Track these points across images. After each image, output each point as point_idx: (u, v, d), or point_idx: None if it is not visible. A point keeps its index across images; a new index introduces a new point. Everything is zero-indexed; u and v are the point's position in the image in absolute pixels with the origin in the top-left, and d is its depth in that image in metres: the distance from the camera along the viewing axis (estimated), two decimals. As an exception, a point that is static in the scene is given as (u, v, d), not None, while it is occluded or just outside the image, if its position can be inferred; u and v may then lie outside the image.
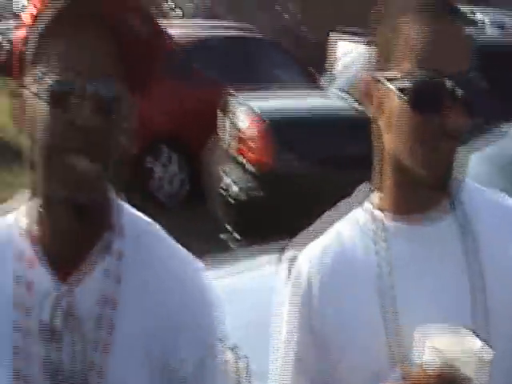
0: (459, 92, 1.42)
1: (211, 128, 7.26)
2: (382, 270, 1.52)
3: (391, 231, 1.53)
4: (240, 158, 6.53)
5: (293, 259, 2.97)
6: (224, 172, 6.58)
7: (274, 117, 6.62)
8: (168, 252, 1.50)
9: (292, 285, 1.62)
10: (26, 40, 1.40)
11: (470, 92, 1.44)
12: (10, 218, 1.49)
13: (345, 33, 12.36)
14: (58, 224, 1.41)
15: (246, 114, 6.74)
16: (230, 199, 6.11)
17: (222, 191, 6.28)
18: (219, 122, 7.35)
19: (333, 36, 13.06)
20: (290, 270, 2.78)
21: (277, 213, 5.89)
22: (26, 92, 1.39)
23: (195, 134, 7.29)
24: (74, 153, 1.33)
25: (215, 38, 9.86)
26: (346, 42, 11.27)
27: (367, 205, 1.58)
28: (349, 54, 8.18)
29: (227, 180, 6.37)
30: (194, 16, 18.00)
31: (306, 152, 6.47)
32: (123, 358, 1.40)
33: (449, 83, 1.41)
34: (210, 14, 16.63)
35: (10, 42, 16.57)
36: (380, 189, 1.56)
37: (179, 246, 1.51)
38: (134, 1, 1.39)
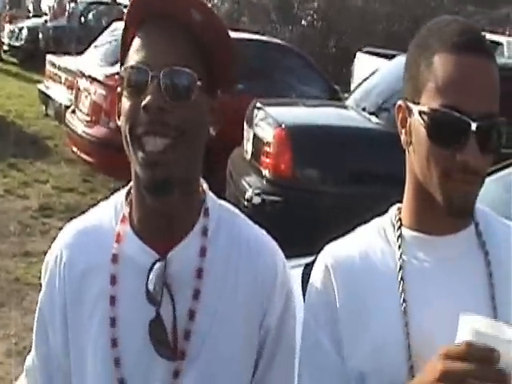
0: (485, 133, 1.46)
1: (235, 138, 7.28)
2: (398, 275, 1.57)
3: (408, 239, 1.60)
4: (262, 169, 6.56)
5: (307, 266, 3.05)
6: (247, 183, 6.61)
7: (297, 129, 6.60)
8: (245, 225, 1.67)
9: (313, 279, 1.67)
10: (122, 43, 1.56)
11: (495, 134, 1.49)
12: (114, 203, 1.65)
13: (372, 53, 12.44)
14: (147, 208, 1.54)
15: (269, 125, 6.73)
16: (252, 210, 6.14)
17: (245, 202, 6.32)
18: (244, 133, 7.39)
19: (359, 55, 13.14)
20: (304, 276, 2.87)
21: (295, 223, 5.95)
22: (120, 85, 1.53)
23: (219, 144, 7.33)
24: (148, 134, 1.46)
25: (242, 49, 9.85)
26: (372, 61, 11.34)
27: (392, 216, 1.66)
28: (374, 72, 8.17)
29: (249, 191, 6.41)
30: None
31: (326, 166, 6.47)
32: (210, 323, 1.55)
33: (474, 124, 1.45)
34: (236, 25, 16.66)
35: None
36: (405, 206, 1.64)
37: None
38: (196, 1, 1.50)
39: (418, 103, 1.52)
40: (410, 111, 1.55)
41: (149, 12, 1.51)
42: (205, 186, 1.65)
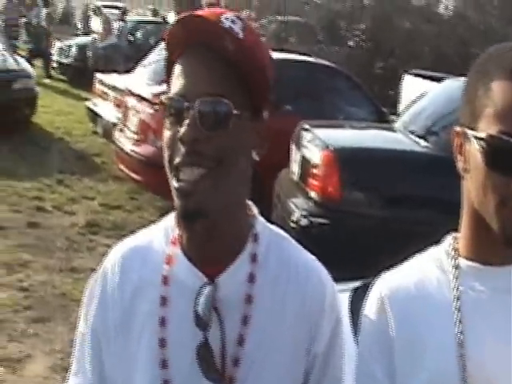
0: None
1: (283, 160, 7.31)
2: (454, 306, 1.55)
3: (465, 269, 1.58)
4: (309, 191, 6.55)
5: (355, 291, 3.04)
6: (294, 205, 6.60)
7: (345, 152, 6.59)
8: (294, 250, 1.66)
9: (367, 310, 1.66)
10: (166, 70, 1.57)
11: None
12: (164, 225, 1.65)
13: (419, 75, 12.38)
14: (190, 231, 1.55)
15: (317, 147, 6.73)
16: (299, 232, 6.12)
17: (292, 224, 6.31)
18: (291, 154, 7.39)
19: (407, 77, 13.09)
20: (352, 300, 2.85)
21: (343, 246, 5.91)
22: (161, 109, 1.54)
23: (267, 165, 7.27)
24: (185, 165, 1.47)
25: (289, 70, 9.85)
26: (420, 84, 11.29)
27: (447, 246, 1.64)
28: (422, 95, 8.13)
29: (297, 213, 6.40)
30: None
31: (373, 189, 6.46)
32: (258, 349, 1.55)
33: None
34: (283, 45, 16.71)
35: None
36: (461, 235, 1.62)
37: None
38: (224, 27, 1.49)
39: (476, 129, 1.50)
40: (466, 137, 1.53)
41: (185, 41, 1.51)
42: (255, 210, 1.65)
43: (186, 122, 1.46)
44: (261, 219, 1.64)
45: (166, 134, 1.51)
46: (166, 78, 1.58)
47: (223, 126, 1.48)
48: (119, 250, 1.68)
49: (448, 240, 1.66)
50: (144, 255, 1.64)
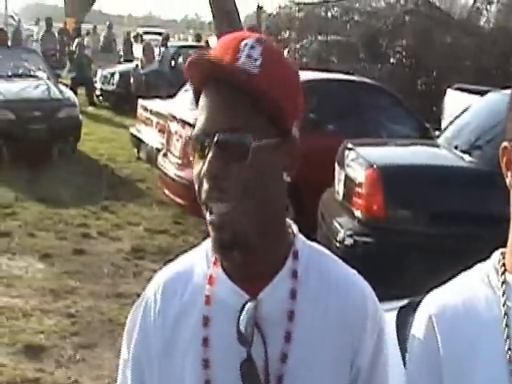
0: None
1: (327, 179, 7.31)
2: (503, 322, 1.52)
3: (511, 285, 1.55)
4: (354, 210, 6.53)
5: (401, 309, 3.01)
6: (339, 224, 6.59)
7: (389, 170, 6.58)
8: (333, 264, 1.66)
9: (415, 329, 1.65)
10: (195, 101, 1.58)
11: None
12: (205, 247, 1.66)
13: (462, 89, 12.29)
14: (228, 259, 1.56)
15: (361, 166, 6.72)
16: (344, 251, 6.10)
17: (337, 243, 6.30)
18: (335, 173, 7.38)
19: (450, 92, 13.01)
20: (399, 319, 2.82)
21: (388, 265, 5.90)
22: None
23: (311, 185, 7.27)
24: (210, 201, 1.48)
25: (332, 89, 9.85)
26: (463, 98, 11.21)
27: (495, 262, 1.61)
28: (466, 110, 8.07)
29: (342, 232, 6.38)
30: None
31: (418, 206, 6.42)
32: (300, 365, 1.54)
33: None
34: (325, 65, 16.72)
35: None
36: (509, 251, 1.59)
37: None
38: (253, 72, 1.49)
39: None
40: None
41: (199, 80, 1.52)
42: (294, 228, 1.64)
43: (207, 157, 1.47)
44: (300, 236, 1.64)
45: (195, 169, 1.52)
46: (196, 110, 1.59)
47: (242, 159, 1.47)
48: (161, 277, 1.68)
49: (496, 256, 1.63)
50: (186, 279, 1.63)
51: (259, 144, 1.48)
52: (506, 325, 1.52)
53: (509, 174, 1.54)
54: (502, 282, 1.56)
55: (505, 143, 1.55)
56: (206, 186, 1.48)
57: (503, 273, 1.57)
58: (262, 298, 1.54)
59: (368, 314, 1.61)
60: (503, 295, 1.55)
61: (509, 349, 1.50)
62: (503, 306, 1.54)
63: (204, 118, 1.50)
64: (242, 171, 1.48)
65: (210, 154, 1.47)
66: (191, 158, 1.54)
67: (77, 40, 23.44)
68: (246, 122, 1.48)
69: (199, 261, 1.65)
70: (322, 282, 1.60)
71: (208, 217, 1.50)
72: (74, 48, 22.66)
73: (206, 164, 1.46)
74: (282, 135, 1.52)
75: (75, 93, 16.63)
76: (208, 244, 1.64)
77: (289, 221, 1.65)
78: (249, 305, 1.52)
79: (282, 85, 1.52)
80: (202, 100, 1.53)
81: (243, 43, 1.52)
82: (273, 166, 1.52)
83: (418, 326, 1.63)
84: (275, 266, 1.57)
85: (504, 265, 1.59)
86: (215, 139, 1.46)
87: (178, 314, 1.61)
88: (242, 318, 1.51)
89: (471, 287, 1.61)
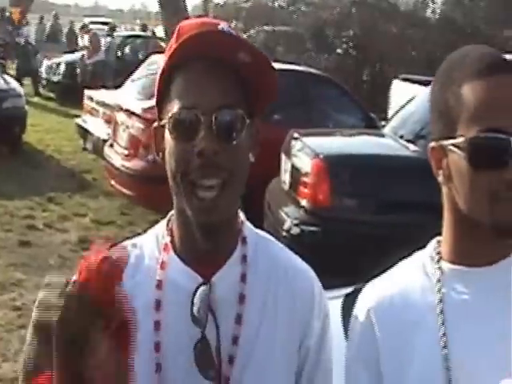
0: None
1: (273, 169, 7.32)
2: (438, 309, 1.56)
3: (448, 272, 1.59)
4: (300, 200, 6.55)
5: (347, 297, 3.04)
6: (285, 213, 6.61)
7: (335, 159, 6.61)
8: (280, 251, 1.71)
9: (353, 321, 1.69)
10: (159, 81, 1.57)
11: None
12: (154, 233, 1.68)
13: (408, 80, 12.40)
14: (194, 240, 1.57)
15: (307, 155, 6.74)
16: (290, 240, 6.11)
17: (284, 232, 6.31)
18: (281, 163, 7.41)
19: (396, 82, 13.12)
20: (344, 306, 2.85)
21: (334, 253, 5.90)
22: (165, 126, 1.54)
23: (257, 175, 7.21)
24: (202, 178, 1.49)
25: (278, 79, 9.83)
26: (409, 88, 11.30)
27: (431, 250, 1.65)
28: (411, 100, 8.14)
29: (288, 221, 6.40)
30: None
31: (364, 195, 6.46)
32: (251, 347, 1.58)
33: None
34: (271, 55, 16.72)
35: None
36: (444, 240, 1.63)
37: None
38: (239, 40, 1.53)
39: (454, 138, 1.52)
40: (444, 150, 1.55)
41: (197, 53, 1.50)
42: (241, 215, 1.68)
43: (202, 134, 1.47)
44: (247, 224, 1.68)
45: (175, 148, 1.51)
46: (159, 92, 1.58)
47: (237, 137, 1.51)
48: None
49: (432, 244, 1.68)
50: (136, 263, 1.63)
51: (249, 122, 1.53)
52: (441, 311, 1.56)
53: (440, 172, 1.58)
54: (437, 270, 1.60)
55: (432, 143, 1.59)
56: (199, 162, 1.47)
57: (438, 260, 1.62)
58: (215, 281, 1.57)
59: (315, 298, 1.66)
60: (438, 282, 1.59)
61: (442, 334, 1.54)
62: (438, 292, 1.58)
63: (193, 94, 1.50)
64: (234, 150, 1.51)
65: (204, 131, 1.47)
66: (170, 136, 1.52)
67: (22, 30, 23.12)
68: (236, 100, 1.51)
69: (149, 245, 1.66)
70: (271, 266, 1.65)
71: (195, 201, 1.50)
72: (19, 38, 22.33)
73: (204, 140, 1.46)
74: (255, 115, 1.57)
75: (20, 83, 16.41)
76: (157, 229, 1.67)
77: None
78: (203, 287, 1.55)
79: (263, 61, 1.54)
80: (186, 78, 1.52)
81: (220, 26, 1.56)
82: (248, 145, 1.56)
83: (356, 318, 1.68)
84: (227, 250, 1.61)
85: (439, 253, 1.63)
86: (215, 116, 1.48)
87: (131, 296, 1.59)
88: (195, 300, 1.54)
89: (408, 276, 1.65)
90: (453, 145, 1.52)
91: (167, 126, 1.52)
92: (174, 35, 1.58)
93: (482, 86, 1.49)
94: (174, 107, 1.51)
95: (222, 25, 1.57)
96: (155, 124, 1.59)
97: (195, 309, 1.54)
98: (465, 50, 1.58)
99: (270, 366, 1.59)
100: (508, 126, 1.46)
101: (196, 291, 1.55)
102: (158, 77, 1.57)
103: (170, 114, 1.51)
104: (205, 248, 1.56)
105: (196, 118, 1.48)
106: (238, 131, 1.50)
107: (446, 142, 1.54)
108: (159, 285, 1.59)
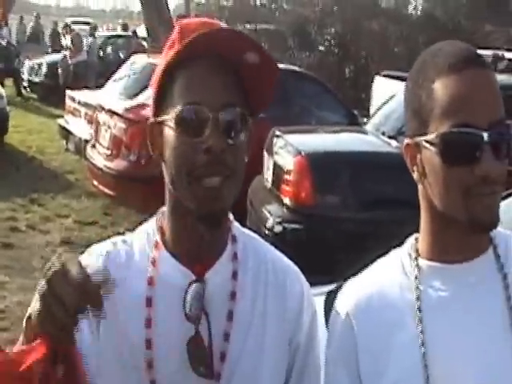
0: (497, 140, 1.47)
1: (255, 167, 7.25)
2: (416, 306, 1.56)
3: (425, 269, 1.59)
4: (283, 198, 6.54)
5: (329, 294, 3.04)
6: (268, 211, 6.60)
7: (317, 156, 6.60)
8: (267, 249, 1.73)
9: (331, 319, 1.69)
10: (160, 78, 1.56)
11: (507, 138, 1.49)
12: (144, 231, 1.68)
13: (390, 76, 12.42)
14: (193, 235, 1.58)
15: (289, 153, 6.75)
16: (273, 238, 6.09)
17: (266, 230, 6.30)
18: (263, 161, 7.39)
19: (378, 79, 13.13)
20: (327, 303, 2.85)
21: (317, 250, 5.91)
22: (165, 123, 1.54)
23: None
24: (209, 175, 1.50)
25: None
26: (391, 85, 11.32)
27: (409, 247, 1.65)
28: (392, 96, 8.15)
29: (271, 219, 6.39)
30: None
31: (347, 192, 6.45)
32: (242, 343, 1.60)
33: (486, 134, 1.45)
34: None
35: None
36: (422, 237, 1.63)
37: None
38: (248, 40, 1.53)
39: (427, 134, 1.52)
40: (418, 146, 1.55)
41: (206, 51, 1.51)
42: (230, 214, 1.69)
43: (209, 131, 1.48)
44: (235, 222, 1.70)
45: (179, 145, 1.52)
46: (158, 89, 1.57)
47: (240, 135, 1.53)
48: (103, 247, 1.69)
49: (410, 241, 1.67)
50: (127, 259, 1.64)
51: (252, 121, 1.56)
52: (419, 309, 1.55)
53: (414, 168, 1.57)
54: (415, 267, 1.60)
55: (406, 140, 1.58)
56: (205, 160, 1.49)
57: (416, 258, 1.62)
58: (208, 278, 1.58)
59: (304, 294, 1.68)
60: (416, 279, 1.59)
61: (421, 331, 1.53)
62: (416, 290, 1.57)
63: (198, 92, 1.50)
64: (239, 148, 1.53)
65: (211, 128, 1.48)
66: (174, 132, 1.52)
67: (3, 30, 23.01)
68: (239, 99, 1.53)
69: (140, 242, 1.66)
70: (260, 264, 1.67)
71: (200, 191, 1.50)
72: (0, 39, 22.23)
73: (213, 137, 1.48)
74: (252, 115, 1.58)
75: (2, 84, 16.36)
76: (147, 227, 1.68)
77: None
78: (196, 284, 1.56)
79: (271, 63, 1.56)
80: (188, 76, 1.52)
81: (222, 27, 1.60)
82: (246, 144, 1.58)
83: (335, 320, 1.67)
84: (218, 248, 1.62)
85: (417, 250, 1.63)
86: (222, 114, 1.49)
87: (119, 292, 1.56)
88: (188, 296, 1.55)
89: (386, 275, 1.65)
90: (426, 141, 1.52)
91: (170, 121, 1.52)
92: (175, 34, 1.59)
93: (454, 81, 1.49)
94: (178, 104, 1.52)
95: (222, 25, 1.61)
96: (151, 121, 1.59)
97: (188, 305, 1.54)
98: (437, 47, 1.58)
99: (261, 362, 1.60)
100: (480, 120, 1.46)
101: (188, 288, 1.55)
102: (157, 74, 1.58)
103: (174, 110, 1.51)
104: (207, 239, 1.57)
105: (204, 114, 1.49)
106: (240, 130, 1.53)
107: (419, 139, 1.54)
108: (151, 281, 1.59)
